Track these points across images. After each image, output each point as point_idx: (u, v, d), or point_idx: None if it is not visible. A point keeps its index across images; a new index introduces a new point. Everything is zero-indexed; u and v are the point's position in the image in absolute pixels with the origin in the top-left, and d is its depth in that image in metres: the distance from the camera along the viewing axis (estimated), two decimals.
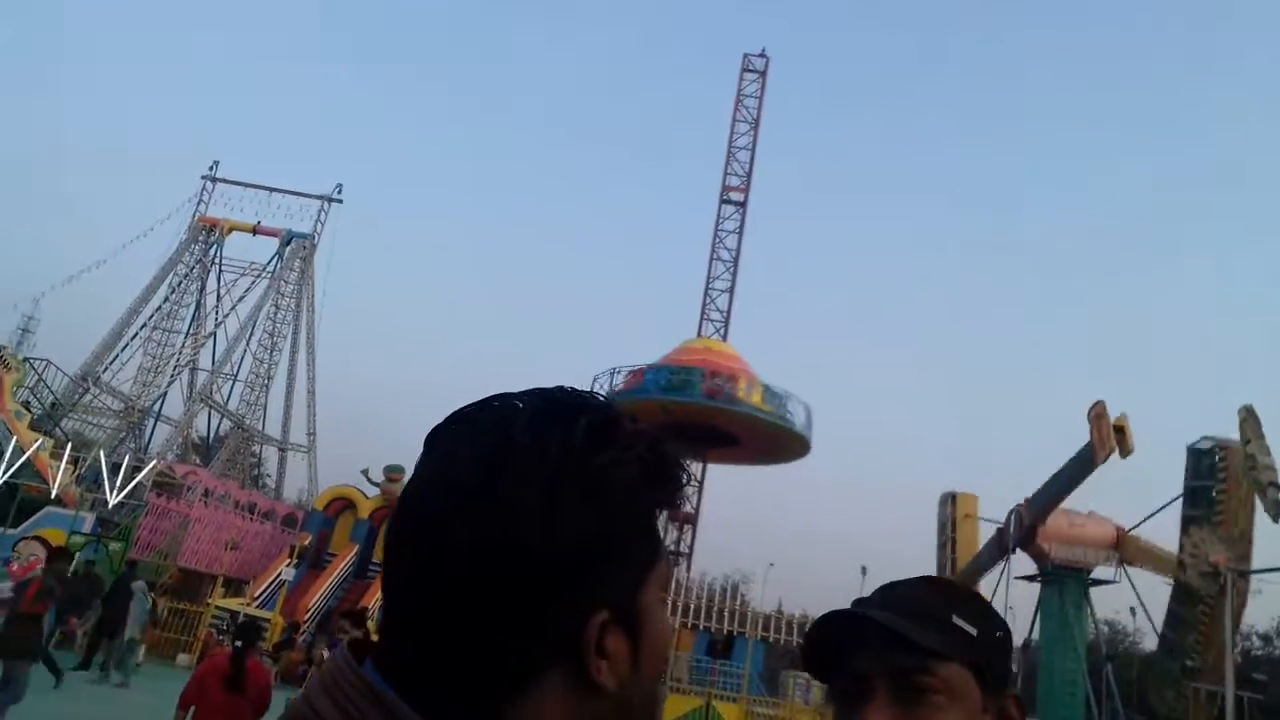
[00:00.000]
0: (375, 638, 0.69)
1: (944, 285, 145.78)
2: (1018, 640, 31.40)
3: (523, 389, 0.70)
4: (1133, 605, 31.18)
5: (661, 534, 0.71)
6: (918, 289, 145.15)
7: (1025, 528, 29.68)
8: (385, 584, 0.68)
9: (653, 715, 0.70)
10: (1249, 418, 10.28)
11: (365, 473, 29.20)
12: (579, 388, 0.71)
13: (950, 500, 33.56)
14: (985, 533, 32.61)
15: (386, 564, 0.67)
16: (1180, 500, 25.04)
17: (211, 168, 46.77)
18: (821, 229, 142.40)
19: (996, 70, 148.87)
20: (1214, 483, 22.98)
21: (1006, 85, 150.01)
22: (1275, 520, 8.86)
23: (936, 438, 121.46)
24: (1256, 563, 16.76)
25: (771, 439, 35.31)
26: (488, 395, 0.71)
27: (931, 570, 34.93)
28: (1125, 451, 25.02)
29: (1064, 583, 29.19)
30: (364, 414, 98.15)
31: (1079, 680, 27.62)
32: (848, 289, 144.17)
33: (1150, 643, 47.29)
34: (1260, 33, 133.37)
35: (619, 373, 35.49)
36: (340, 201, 46.43)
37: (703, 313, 40.14)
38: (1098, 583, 30.13)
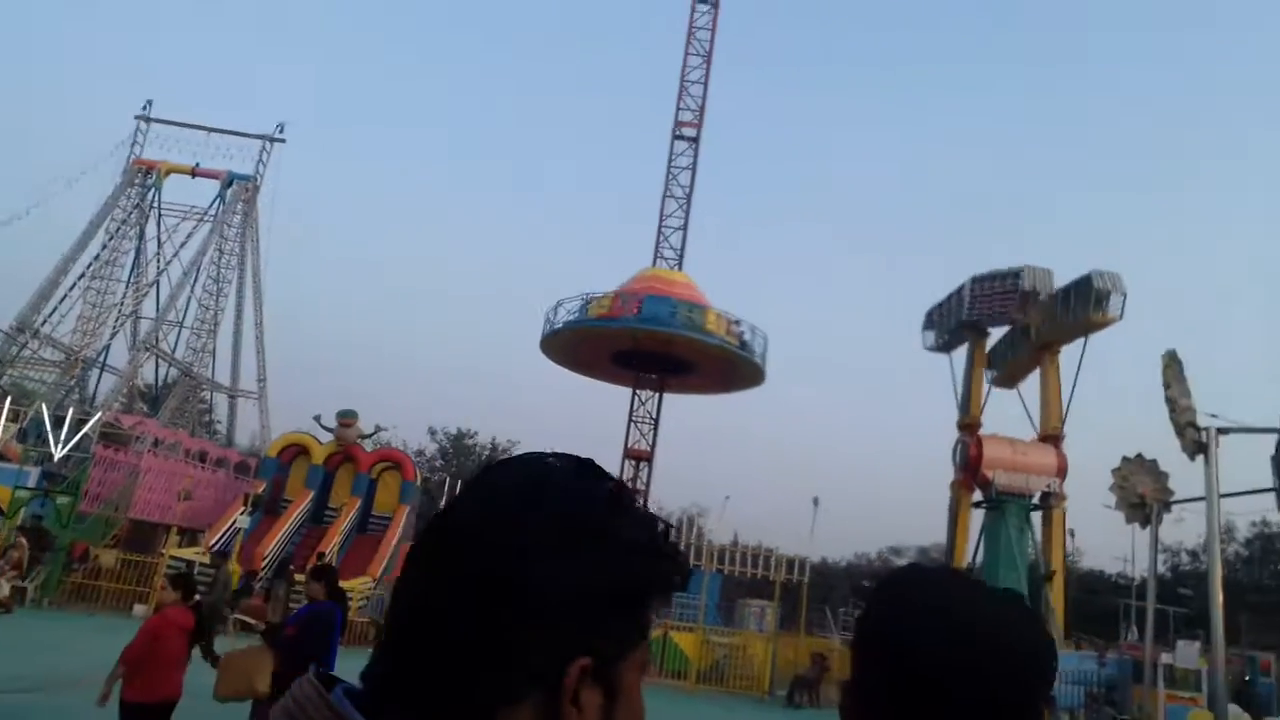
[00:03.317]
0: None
1: (906, 218, 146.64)
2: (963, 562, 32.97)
3: (556, 451, 0.78)
4: (1071, 528, 32.52)
5: (650, 623, 0.75)
6: (879, 225, 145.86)
7: (968, 446, 30.78)
8: (394, 601, 0.73)
9: None
10: (1171, 363, 10.76)
11: (318, 419, 28.98)
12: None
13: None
14: None
15: (402, 581, 0.73)
16: None
17: (145, 107, 45.02)
18: (783, 161, 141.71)
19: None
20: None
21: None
22: (1192, 459, 9.38)
23: (892, 374, 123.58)
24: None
25: (728, 367, 35.64)
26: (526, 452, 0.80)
27: (878, 499, 35.97)
28: None
29: (1006, 508, 30.27)
30: (316, 359, 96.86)
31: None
32: (808, 223, 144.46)
33: (1087, 562, 49.61)
34: None
35: (588, 298, 35.38)
36: (283, 141, 45.13)
37: (656, 250, 39.95)
38: (1038, 508, 31.37)
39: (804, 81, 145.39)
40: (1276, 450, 10.28)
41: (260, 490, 26.26)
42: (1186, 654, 19.95)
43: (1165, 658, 20.05)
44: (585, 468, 0.76)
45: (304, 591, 6.67)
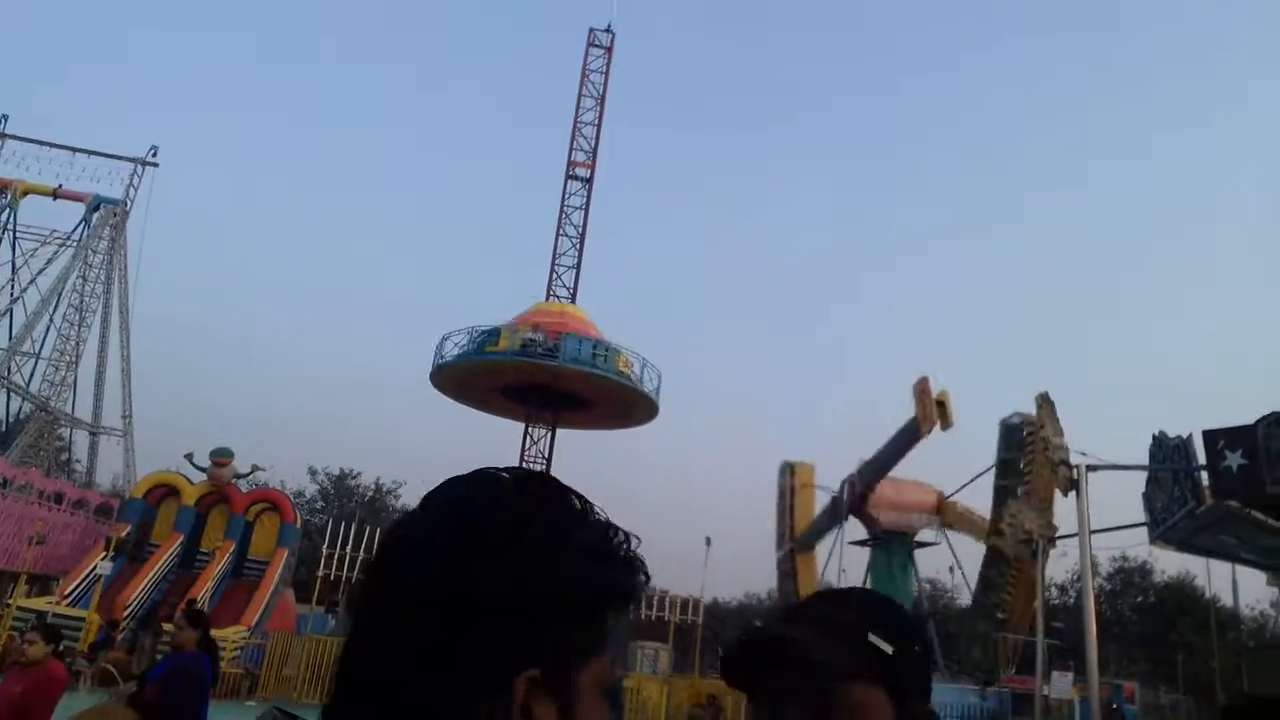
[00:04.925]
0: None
1: (790, 261, 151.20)
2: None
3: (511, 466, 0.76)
4: (951, 565, 33.81)
5: (606, 643, 0.71)
6: (765, 264, 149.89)
7: (857, 495, 31.58)
8: (351, 626, 0.71)
9: None
10: (1044, 403, 11.40)
11: (189, 457, 27.36)
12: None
13: (789, 470, 35.03)
14: (821, 500, 34.48)
15: (355, 604, 0.70)
16: (994, 470, 27.43)
17: (0, 122, 42.17)
18: (672, 201, 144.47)
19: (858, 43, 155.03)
20: (1022, 455, 25.40)
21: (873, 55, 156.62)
22: (1064, 495, 9.97)
23: (778, 409, 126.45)
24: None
25: (621, 402, 35.60)
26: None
27: (769, 538, 36.51)
28: (946, 424, 27.89)
29: (891, 545, 31.27)
30: (188, 395, 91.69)
31: None
32: (699, 260, 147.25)
33: (966, 597, 51.57)
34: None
35: (475, 331, 34.82)
36: (156, 165, 43.06)
37: (549, 289, 39.85)
38: (921, 545, 32.57)
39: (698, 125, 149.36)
40: (1147, 486, 10.86)
41: (124, 534, 24.48)
42: (1060, 685, 20.83)
43: (1044, 688, 20.88)
44: (535, 478, 0.74)
45: (173, 639, 6.03)
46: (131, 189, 42.47)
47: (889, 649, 0.98)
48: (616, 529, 0.73)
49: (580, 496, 0.74)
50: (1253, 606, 41.22)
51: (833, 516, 32.79)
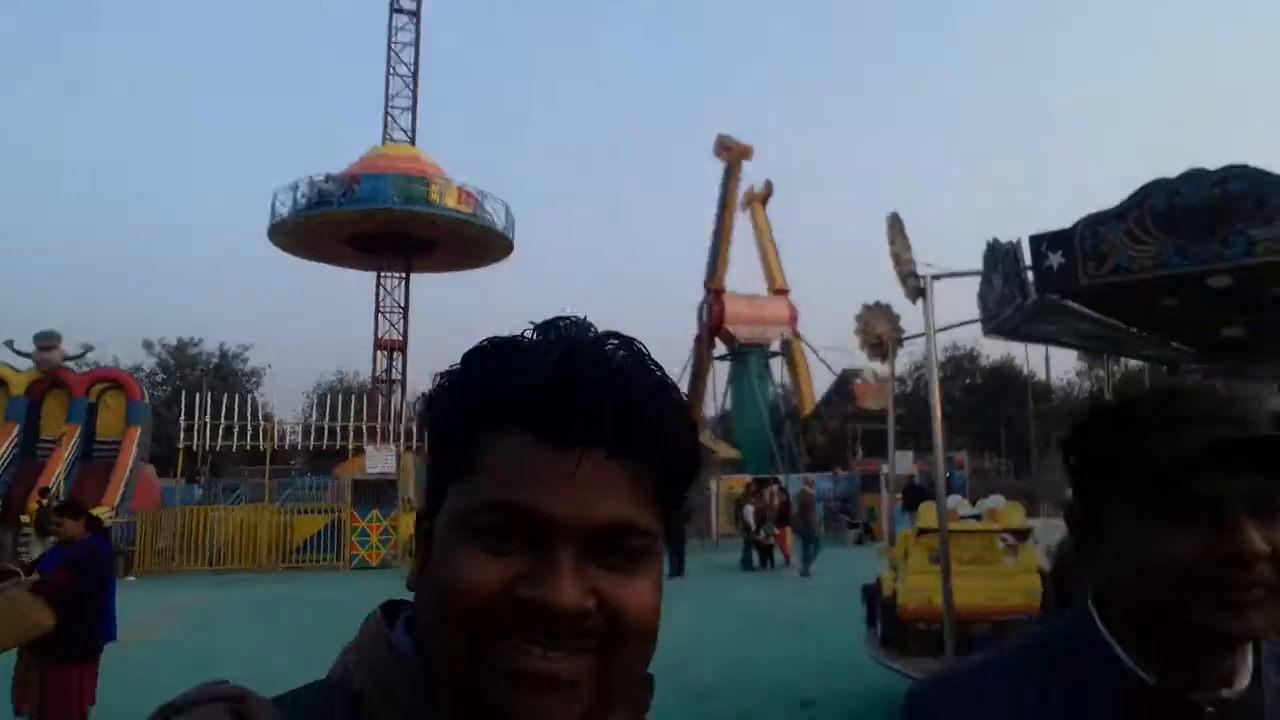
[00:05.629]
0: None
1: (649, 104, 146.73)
2: (714, 410, 35.79)
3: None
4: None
5: (487, 467, 0.59)
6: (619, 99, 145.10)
7: (712, 305, 32.97)
8: None
9: (435, 638, 0.59)
10: (894, 222, 11.97)
11: (10, 344, 25.23)
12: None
13: None
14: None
15: None
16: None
17: None
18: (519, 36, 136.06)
19: None
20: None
21: None
22: (913, 303, 10.81)
23: (637, 242, 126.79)
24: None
25: (466, 239, 34.93)
26: None
27: None
28: (749, 155, 35.10)
29: (749, 358, 33.03)
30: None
31: (764, 435, 32.12)
32: (550, 99, 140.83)
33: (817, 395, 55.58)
34: None
35: (301, 186, 32.94)
36: None
37: (385, 132, 37.64)
38: (774, 354, 34.53)
39: None
40: (981, 287, 11.80)
41: None
42: (902, 462, 23.25)
43: (884, 468, 23.28)
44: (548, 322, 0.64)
45: (60, 535, 6.06)
46: None
47: None
48: (522, 339, 0.62)
49: (539, 327, 0.63)
50: (1061, 378, 47.48)
51: (697, 348, 34.31)
